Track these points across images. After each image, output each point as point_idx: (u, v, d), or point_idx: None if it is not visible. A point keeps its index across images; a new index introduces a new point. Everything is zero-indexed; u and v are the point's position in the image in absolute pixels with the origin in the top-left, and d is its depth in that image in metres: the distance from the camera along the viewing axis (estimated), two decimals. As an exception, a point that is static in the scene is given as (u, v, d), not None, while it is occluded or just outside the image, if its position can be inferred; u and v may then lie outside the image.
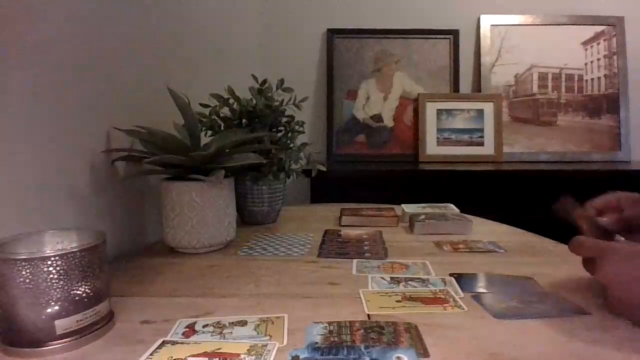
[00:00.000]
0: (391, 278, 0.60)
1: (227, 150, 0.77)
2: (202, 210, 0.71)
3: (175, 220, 0.71)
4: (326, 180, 1.34)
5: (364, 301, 0.52)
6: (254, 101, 0.91)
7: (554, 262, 0.67)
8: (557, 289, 0.55)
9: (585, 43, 1.75)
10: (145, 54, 0.86)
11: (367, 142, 1.74)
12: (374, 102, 1.75)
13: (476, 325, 0.46)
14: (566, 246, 0.75)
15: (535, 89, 1.75)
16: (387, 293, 0.55)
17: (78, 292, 0.42)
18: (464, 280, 0.59)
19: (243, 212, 0.95)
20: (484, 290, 0.56)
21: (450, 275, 0.61)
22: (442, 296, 0.54)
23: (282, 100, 0.94)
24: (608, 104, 1.73)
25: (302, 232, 0.87)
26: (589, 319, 0.47)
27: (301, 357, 0.40)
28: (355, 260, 0.68)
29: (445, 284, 0.58)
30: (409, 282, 0.59)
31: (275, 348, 0.41)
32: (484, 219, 0.97)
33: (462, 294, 0.54)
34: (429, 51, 1.76)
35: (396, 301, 0.52)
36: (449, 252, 0.74)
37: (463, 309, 0.50)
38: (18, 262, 0.40)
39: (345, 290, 0.57)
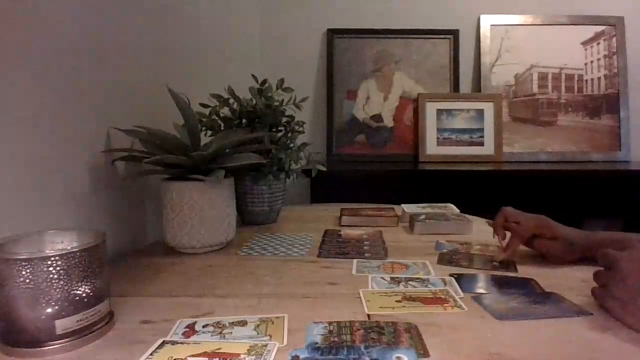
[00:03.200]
0: (391, 278, 0.60)
1: (227, 150, 0.77)
2: (202, 210, 0.71)
3: (175, 220, 0.71)
4: (326, 180, 1.34)
5: (364, 301, 0.52)
6: (254, 101, 0.91)
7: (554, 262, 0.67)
8: (557, 289, 0.55)
9: (585, 43, 1.74)
10: (145, 54, 0.86)
11: (367, 142, 1.74)
12: (374, 102, 1.75)
13: (476, 326, 0.46)
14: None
15: (535, 89, 1.75)
16: (387, 293, 0.55)
17: (78, 292, 0.42)
18: (464, 280, 0.59)
19: (243, 212, 0.95)
20: (484, 291, 0.56)
21: (451, 275, 0.61)
22: (442, 296, 0.54)
23: (282, 100, 0.94)
24: (608, 104, 1.73)
25: (302, 232, 0.87)
26: (589, 319, 0.47)
27: (301, 357, 0.40)
28: (355, 260, 0.68)
29: (445, 284, 0.58)
30: (409, 282, 0.59)
31: (275, 348, 0.41)
32: (484, 219, 0.97)
33: (462, 294, 0.54)
34: (429, 51, 1.76)
35: (396, 301, 0.52)
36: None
37: (463, 309, 0.50)
38: (18, 262, 0.40)
39: (345, 290, 0.57)
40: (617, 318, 0.46)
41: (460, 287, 0.57)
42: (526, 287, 0.57)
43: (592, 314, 0.48)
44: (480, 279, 0.61)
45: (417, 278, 0.60)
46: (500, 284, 0.59)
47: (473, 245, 0.77)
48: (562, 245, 0.65)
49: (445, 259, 0.69)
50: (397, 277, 0.60)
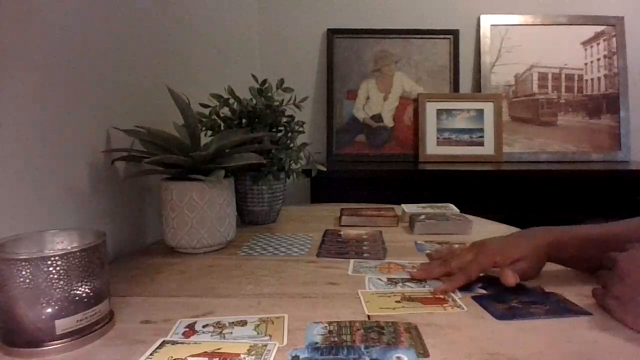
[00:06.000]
0: (388, 279, 0.60)
1: (227, 150, 0.77)
2: (202, 210, 0.71)
3: (175, 220, 0.71)
4: (326, 180, 1.34)
5: (363, 302, 0.52)
6: (254, 101, 0.91)
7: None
8: (557, 289, 0.55)
9: (585, 43, 1.75)
10: (145, 54, 0.86)
11: (367, 142, 1.74)
12: (374, 102, 1.75)
13: (476, 325, 0.46)
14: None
15: (535, 89, 1.75)
16: (385, 294, 0.55)
17: (78, 292, 0.42)
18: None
19: (243, 212, 0.95)
20: (484, 291, 0.56)
21: None
22: (442, 296, 0.54)
23: (282, 100, 0.94)
24: (608, 104, 1.73)
25: (302, 232, 0.87)
26: (589, 319, 0.47)
27: (301, 357, 0.40)
28: (352, 261, 0.68)
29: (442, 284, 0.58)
30: (406, 283, 0.58)
31: (275, 348, 0.41)
32: (484, 219, 0.97)
33: (460, 294, 0.54)
34: (429, 51, 1.76)
35: (396, 302, 0.52)
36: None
37: (463, 308, 0.50)
38: (18, 262, 0.40)
39: (345, 290, 0.57)
40: (616, 318, 0.46)
41: (460, 288, 0.56)
42: (526, 287, 0.57)
43: (592, 314, 0.48)
44: (479, 279, 0.61)
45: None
46: (500, 283, 0.59)
47: (452, 245, 0.77)
48: (527, 264, 0.57)
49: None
50: (393, 278, 0.60)
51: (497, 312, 0.49)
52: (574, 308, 0.50)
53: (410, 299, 0.53)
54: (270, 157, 0.91)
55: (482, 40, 1.76)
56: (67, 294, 0.42)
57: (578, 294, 0.53)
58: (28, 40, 0.56)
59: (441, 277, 0.59)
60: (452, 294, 0.54)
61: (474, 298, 0.53)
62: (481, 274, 0.58)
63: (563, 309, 0.50)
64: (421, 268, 0.62)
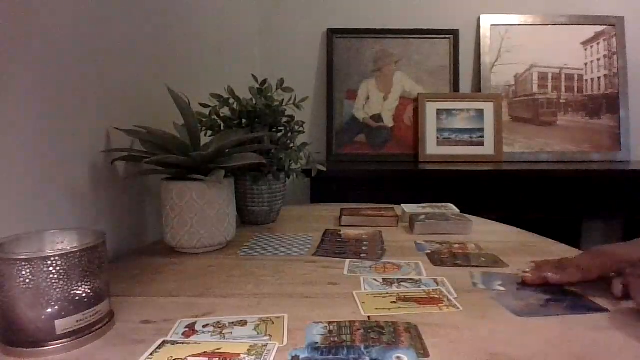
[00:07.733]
0: (383, 279, 0.60)
1: (227, 150, 0.77)
2: (202, 210, 0.71)
3: (175, 220, 0.71)
4: (326, 180, 1.34)
5: (359, 303, 0.52)
6: (254, 101, 0.91)
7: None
8: (575, 287, 0.55)
9: (585, 43, 1.75)
10: (145, 54, 0.86)
11: (367, 142, 1.74)
12: (374, 102, 1.75)
13: (476, 325, 0.46)
14: (566, 246, 0.76)
15: (535, 89, 1.75)
16: (381, 294, 0.55)
17: (78, 292, 0.42)
18: (482, 277, 0.60)
19: (243, 212, 0.95)
20: (502, 289, 0.56)
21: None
22: (436, 296, 0.54)
23: (282, 100, 0.94)
24: (608, 104, 1.73)
25: (302, 232, 0.87)
26: (593, 319, 0.47)
27: (301, 357, 0.40)
28: (348, 261, 0.68)
29: (437, 284, 0.58)
30: (402, 283, 0.58)
31: (275, 348, 0.41)
32: (484, 219, 0.97)
33: (455, 294, 0.54)
34: (429, 51, 1.76)
35: (391, 302, 0.52)
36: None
37: (458, 308, 0.50)
38: (18, 262, 0.40)
39: (345, 290, 0.56)
40: (632, 293, 0.47)
41: (482, 283, 0.57)
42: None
43: (608, 311, 0.48)
44: (497, 277, 0.61)
45: (410, 279, 0.60)
46: (518, 281, 0.59)
47: (452, 244, 0.77)
48: None
49: (434, 258, 0.69)
50: (389, 278, 0.60)
51: (516, 309, 0.49)
52: (592, 305, 0.50)
53: (406, 299, 0.53)
54: (270, 157, 0.91)
55: (482, 40, 1.76)
56: (67, 294, 0.42)
57: (595, 292, 0.53)
58: (27, 40, 0.56)
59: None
60: (447, 294, 0.54)
61: (492, 296, 0.53)
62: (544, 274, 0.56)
63: (579, 306, 0.50)
64: (534, 270, 0.57)
